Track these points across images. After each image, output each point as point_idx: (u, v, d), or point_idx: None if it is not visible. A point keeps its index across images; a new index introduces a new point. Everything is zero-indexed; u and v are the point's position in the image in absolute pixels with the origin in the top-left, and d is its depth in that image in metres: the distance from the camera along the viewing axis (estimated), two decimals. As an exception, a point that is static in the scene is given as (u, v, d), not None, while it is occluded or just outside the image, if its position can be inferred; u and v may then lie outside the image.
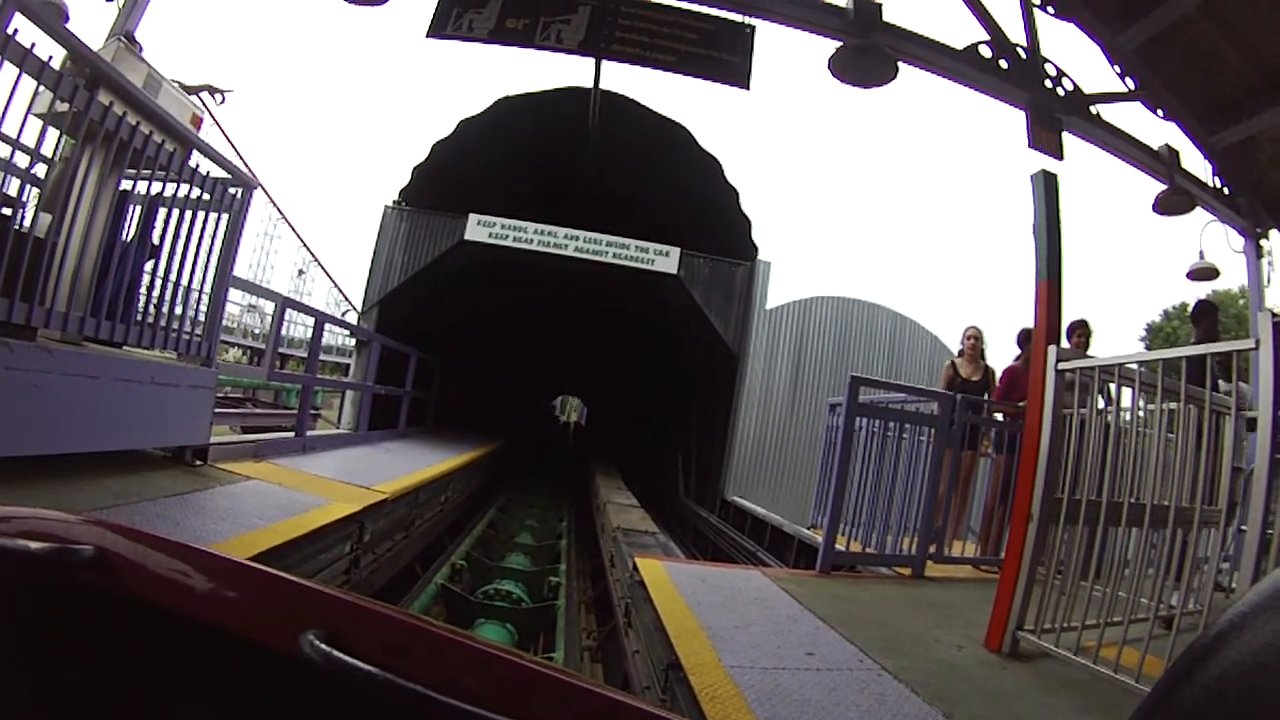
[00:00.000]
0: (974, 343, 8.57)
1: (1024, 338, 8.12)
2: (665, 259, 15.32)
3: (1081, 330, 7.82)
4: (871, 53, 7.07)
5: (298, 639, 0.80)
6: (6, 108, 4.08)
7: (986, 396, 8.22)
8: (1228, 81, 7.80)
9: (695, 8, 7.75)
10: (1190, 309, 7.97)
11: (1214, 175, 8.97)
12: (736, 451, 15.57)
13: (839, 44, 7.15)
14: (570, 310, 25.31)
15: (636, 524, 9.73)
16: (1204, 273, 9.81)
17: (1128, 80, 8.06)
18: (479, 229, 15.06)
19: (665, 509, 17.14)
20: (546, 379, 36.36)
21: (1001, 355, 9.00)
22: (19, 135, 4.42)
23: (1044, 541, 4.47)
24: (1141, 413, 4.97)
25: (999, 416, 7.95)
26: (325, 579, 5.62)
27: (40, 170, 5.14)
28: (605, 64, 9.45)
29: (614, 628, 7.26)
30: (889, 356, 15.97)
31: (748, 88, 7.66)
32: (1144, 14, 7.36)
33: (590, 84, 13.31)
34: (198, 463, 6.54)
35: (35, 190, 5.03)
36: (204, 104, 6.55)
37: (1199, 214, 9.09)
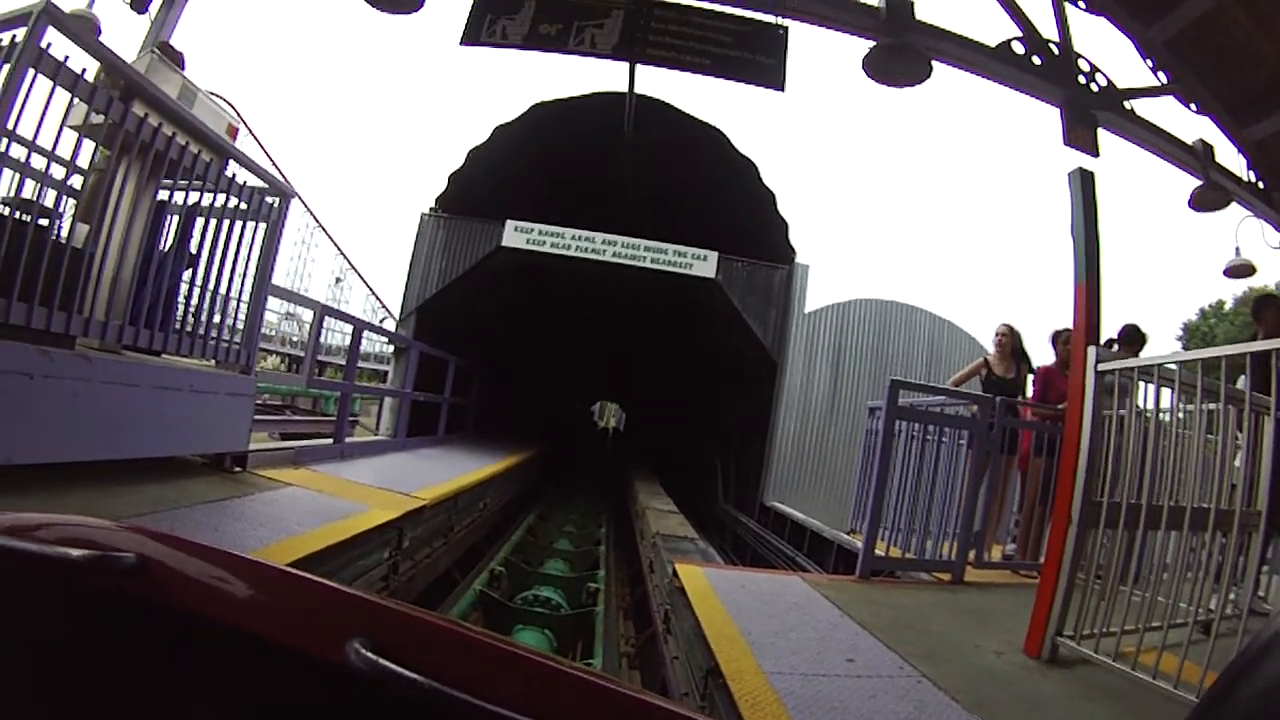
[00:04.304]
0: (1002, 340, 8.48)
1: (1055, 339, 8.04)
2: (703, 263, 15.28)
3: (1133, 339, 7.72)
4: (905, 51, 7.04)
5: (343, 647, 0.81)
6: (41, 120, 4.16)
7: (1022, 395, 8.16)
8: (1260, 73, 7.68)
9: (728, 10, 7.74)
10: (1252, 304, 7.83)
11: (1248, 169, 8.85)
12: (776, 456, 15.49)
13: (872, 43, 7.13)
14: (608, 315, 25.27)
15: (675, 529, 9.72)
16: (1241, 269, 9.70)
17: (1160, 75, 7.98)
18: (516, 235, 15.10)
19: (704, 514, 17.12)
20: (585, 385, 36.41)
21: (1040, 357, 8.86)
22: (54, 147, 4.49)
23: (1084, 545, 4.42)
24: (1181, 414, 4.89)
25: (1030, 416, 7.85)
26: (364, 585, 5.66)
27: (76, 182, 5.21)
28: (639, 67, 9.45)
29: (653, 634, 7.25)
30: (928, 359, 15.82)
31: (783, 89, 7.62)
32: (1175, 5, 7.27)
33: (624, 88, 13.31)
34: (237, 469, 6.62)
35: (72, 201, 5.12)
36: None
37: (1235, 209, 8.98)
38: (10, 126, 3.97)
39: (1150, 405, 4.55)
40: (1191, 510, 4.13)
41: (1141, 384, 4.61)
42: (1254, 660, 0.67)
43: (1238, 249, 9.57)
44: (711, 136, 16.27)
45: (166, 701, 0.95)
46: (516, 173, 16.95)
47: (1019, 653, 4.53)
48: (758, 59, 7.64)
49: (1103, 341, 7.73)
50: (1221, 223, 9.17)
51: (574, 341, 28.62)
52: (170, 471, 5.75)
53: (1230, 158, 8.77)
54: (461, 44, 7.65)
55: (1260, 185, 8.91)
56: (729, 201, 17.52)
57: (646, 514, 11.23)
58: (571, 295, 22.01)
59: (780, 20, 7.63)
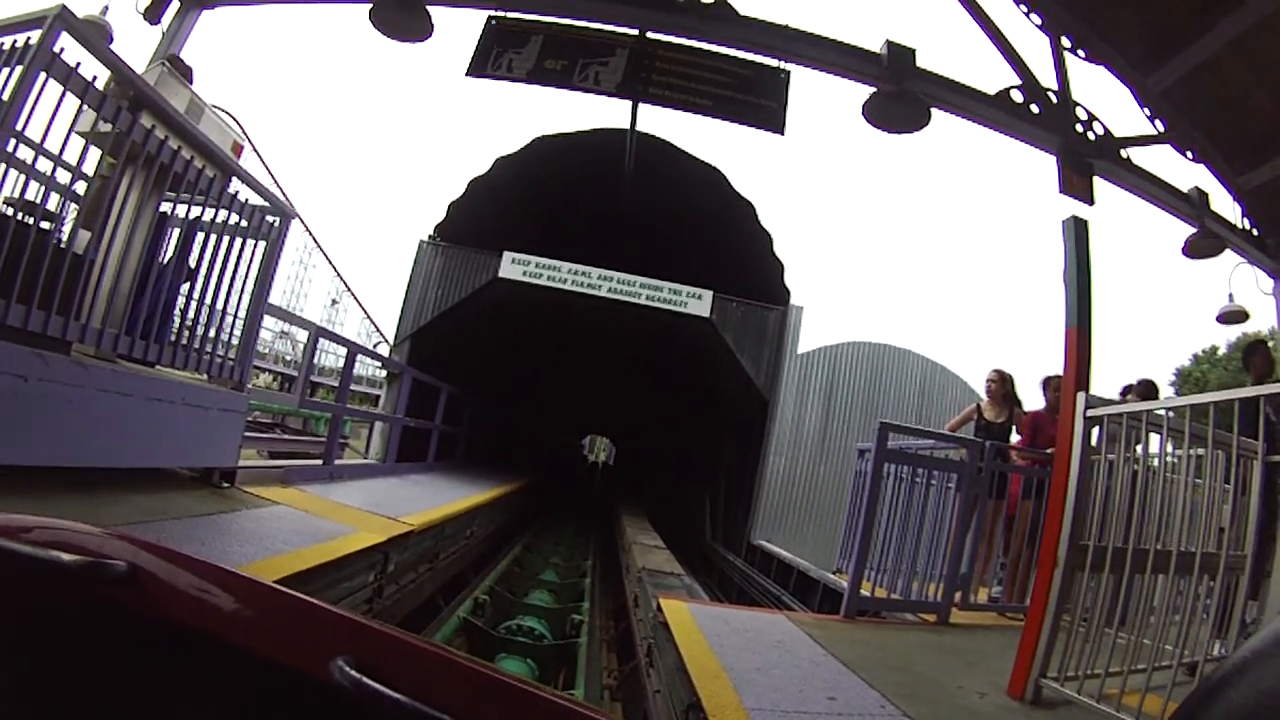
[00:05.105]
0: (992, 385, 8.54)
1: (1046, 385, 8.09)
2: (698, 302, 15.33)
3: (1147, 393, 7.76)
4: (905, 99, 7.13)
5: (328, 664, 0.82)
6: (49, 124, 4.20)
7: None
8: (1256, 122, 7.82)
9: (731, 53, 7.83)
10: (1242, 351, 7.92)
11: (1243, 216, 8.97)
12: (765, 495, 15.45)
13: (873, 90, 7.21)
14: (601, 350, 25.33)
15: (662, 565, 9.67)
16: (1234, 315, 9.78)
17: (1157, 123, 8.11)
18: (513, 267, 15.12)
19: (692, 551, 17.03)
20: (576, 418, 36.34)
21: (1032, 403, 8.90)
22: (60, 152, 4.51)
23: (1069, 588, 4.42)
24: (1170, 458, 4.91)
25: (1018, 460, 7.88)
26: (348, 607, 5.61)
27: (80, 188, 5.23)
28: (641, 106, 9.54)
29: (635, 667, 7.21)
30: (918, 402, 15.84)
31: (783, 132, 7.70)
32: (1173, 55, 7.40)
33: (626, 125, 13.39)
34: (225, 485, 6.60)
35: (74, 207, 5.13)
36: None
37: (1228, 256, 9.07)
38: (19, 128, 4.01)
39: (1140, 450, 4.57)
40: (1178, 554, 4.15)
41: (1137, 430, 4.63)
42: (1214, 689, 0.69)
43: (1231, 295, 9.65)
44: (711, 176, 16.38)
45: (153, 710, 0.96)
46: (516, 205, 17.05)
47: (1003, 694, 4.51)
48: (759, 102, 7.73)
49: (1118, 389, 7.85)
50: (1216, 269, 9.24)
51: (567, 374, 28.61)
52: (158, 483, 5.73)
53: (1225, 205, 8.91)
54: (468, 75, 7.74)
55: (1254, 232, 9.01)
56: (726, 241, 17.61)
57: (633, 548, 11.17)
58: (566, 328, 22.05)
59: (782, 65, 7.72)
